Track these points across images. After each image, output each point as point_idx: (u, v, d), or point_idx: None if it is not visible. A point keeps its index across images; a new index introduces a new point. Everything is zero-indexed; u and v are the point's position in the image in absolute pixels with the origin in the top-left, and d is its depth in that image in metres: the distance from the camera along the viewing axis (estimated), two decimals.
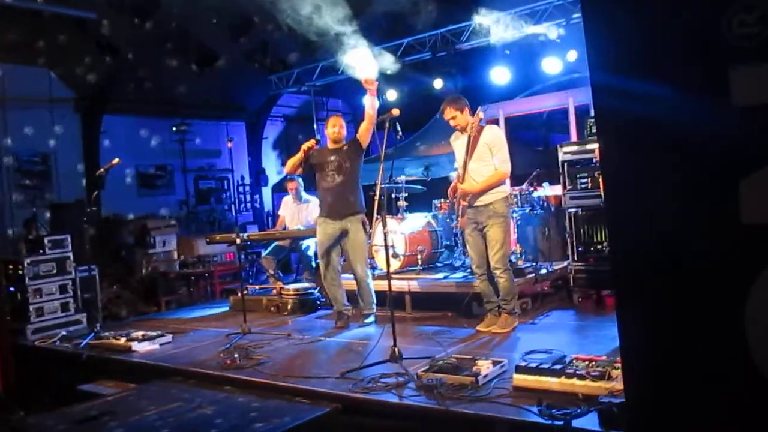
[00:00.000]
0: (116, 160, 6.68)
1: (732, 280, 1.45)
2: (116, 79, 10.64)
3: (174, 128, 11.44)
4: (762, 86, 1.36)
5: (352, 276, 6.16)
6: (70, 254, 7.23)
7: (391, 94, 10.73)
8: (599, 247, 6.09)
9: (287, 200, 8.31)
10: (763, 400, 1.46)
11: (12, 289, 6.96)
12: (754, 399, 1.49)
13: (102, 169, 6.70)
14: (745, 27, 1.36)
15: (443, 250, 7.18)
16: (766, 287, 1.38)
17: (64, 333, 6.65)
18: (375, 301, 6.11)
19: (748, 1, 1.35)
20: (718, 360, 1.53)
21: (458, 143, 5.52)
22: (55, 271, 7.08)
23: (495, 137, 5.31)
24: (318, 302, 7.21)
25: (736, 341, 1.45)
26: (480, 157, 5.30)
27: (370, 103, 5.79)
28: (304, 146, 6.01)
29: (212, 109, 12.64)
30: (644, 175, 1.57)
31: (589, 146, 6.12)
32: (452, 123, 5.44)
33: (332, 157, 6.01)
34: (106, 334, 6.12)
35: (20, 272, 6.88)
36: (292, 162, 6.20)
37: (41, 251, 7.03)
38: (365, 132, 5.90)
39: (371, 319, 6.05)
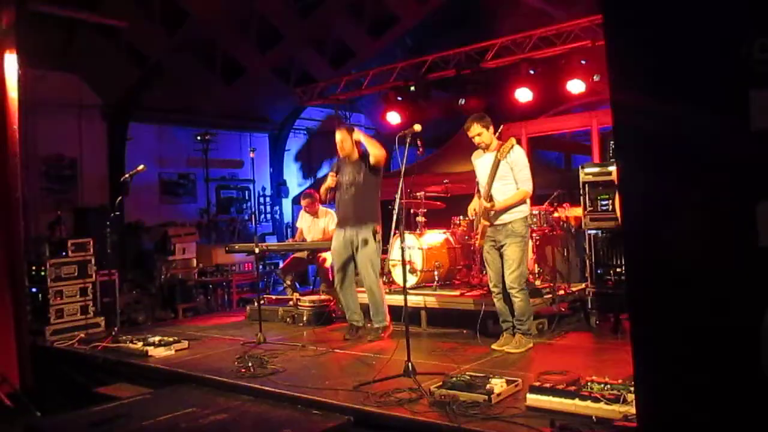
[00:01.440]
0: (142, 167, 6.78)
1: (748, 302, 1.45)
2: (143, 88, 10.82)
3: (198, 137, 11.58)
4: None
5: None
6: (92, 258, 7.34)
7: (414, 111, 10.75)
8: (618, 269, 6.04)
9: (304, 212, 8.38)
10: None
11: (34, 289, 7.07)
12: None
13: (127, 175, 6.79)
14: (766, 53, 1.37)
15: (461, 267, 7.17)
16: None
17: (82, 335, 6.73)
18: (386, 314, 6.04)
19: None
20: (733, 383, 1.52)
21: (481, 161, 5.52)
22: (76, 274, 7.18)
23: (517, 157, 5.31)
24: (333, 315, 7.22)
25: (752, 364, 1.45)
26: (502, 176, 5.30)
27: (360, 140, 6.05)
28: (329, 184, 6.15)
29: (236, 119, 12.79)
30: (662, 196, 1.57)
31: (611, 168, 6.10)
32: (477, 140, 5.45)
33: (348, 169, 6.12)
34: (123, 338, 6.18)
35: (42, 273, 6.99)
36: (323, 192, 6.35)
37: (64, 254, 7.14)
38: (373, 157, 5.99)
39: (380, 333, 5.96)
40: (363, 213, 5.97)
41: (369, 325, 6.16)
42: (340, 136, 6.16)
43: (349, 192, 6.03)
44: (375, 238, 5.91)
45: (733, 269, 1.47)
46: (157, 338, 6.03)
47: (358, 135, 6.07)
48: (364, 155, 6.10)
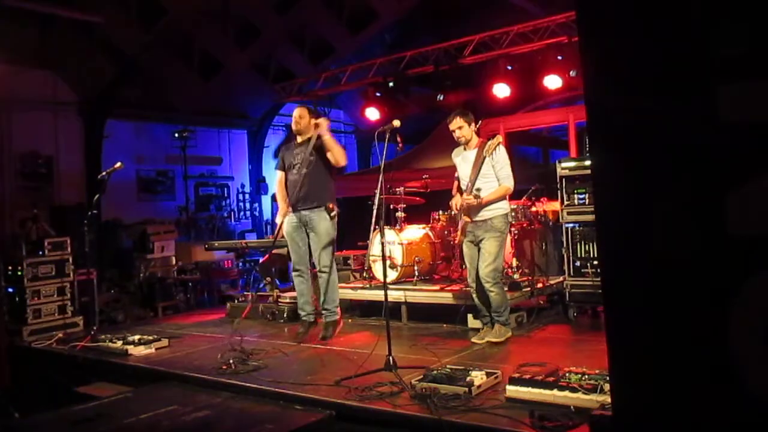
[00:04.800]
0: (119, 164, 6.71)
1: (717, 288, 1.50)
2: (120, 84, 10.72)
3: (176, 134, 11.51)
4: (747, 104, 1.42)
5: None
6: (70, 257, 7.27)
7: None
8: (595, 262, 6.13)
9: None
10: (747, 411, 1.50)
11: (10, 289, 6.99)
12: (738, 409, 1.53)
13: (105, 173, 6.73)
14: (730, 48, 1.43)
15: (441, 262, 7.22)
16: (750, 296, 1.43)
17: (61, 335, 6.67)
18: (336, 303, 5.90)
19: (733, 24, 1.42)
20: (704, 371, 1.57)
21: (462, 158, 5.56)
22: (53, 273, 7.11)
23: (501, 155, 5.36)
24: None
25: (721, 352, 1.50)
26: (485, 173, 5.34)
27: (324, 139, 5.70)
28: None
29: (215, 116, 12.72)
30: (634, 186, 1.62)
31: (588, 162, 6.17)
32: (457, 133, 5.47)
33: (298, 150, 5.93)
34: (103, 337, 6.13)
35: (19, 273, 6.91)
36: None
37: (41, 253, 7.06)
38: (332, 156, 5.81)
39: (332, 331, 5.83)
40: (316, 192, 5.78)
41: (320, 321, 6.05)
42: (298, 111, 5.96)
43: (301, 172, 5.79)
44: (330, 216, 5.77)
45: (703, 256, 1.52)
46: (136, 337, 6.00)
47: (325, 130, 5.73)
48: (317, 138, 5.87)
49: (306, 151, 5.86)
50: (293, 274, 6.12)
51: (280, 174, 6.16)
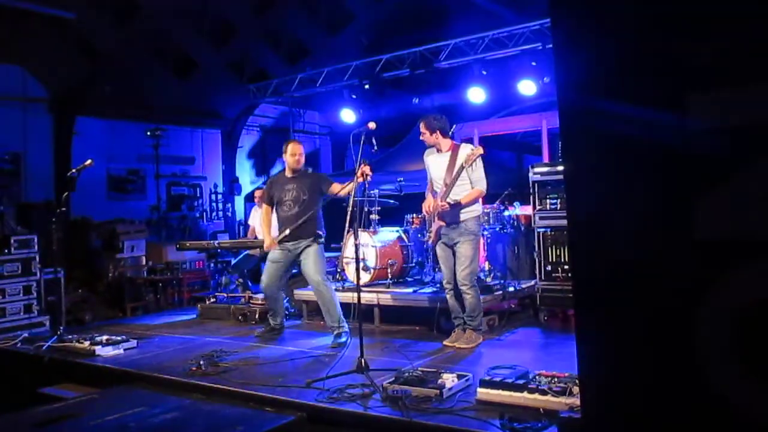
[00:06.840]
0: (89, 162, 6.60)
1: (684, 293, 1.53)
2: (92, 81, 10.55)
3: (149, 133, 11.35)
4: (714, 111, 1.45)
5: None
6: (37, 255, 7.14)
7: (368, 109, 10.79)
8: (566, 266, 6.20)
9: (256, 209, 8.36)
10: (713, 415, 1.53)
11: None
12: (704, 413, 1.55)
13: (74, 171, 6.61)
14: (699, 57, 1.46)
15: (414, 264, 7.23)
16: (715, 301, 1.46)
17: (26, 335, 6.53)
18: (341, 317, 5.79)
19: (702, 34, 1.45)
20: (671, 374, 1.60)
21: (434, 160, 5.57)
22: (19, 272, 6.98)
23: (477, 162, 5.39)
24: (286, 312, 7.19)
25: (688, 356, 1.52)
26: (461, 180, 5.37)
27: (348, 189, 5.55)
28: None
29: (188, 115, 12.58)
30: (605, 191, 1.65)
31: (560, 167, 6.25)
32: (427, 143, 5.54)
33: (290, 186, 5.98)
34: (70, 337, 6.02)
35: None
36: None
37: (7, 251, 6.92)
38: (333, 192, 5.93)
39: (343, 338, 5.67)
40: (310, 228, 5.89)
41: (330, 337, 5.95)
42: (300, 149, 6.04)
43: (293, 210, 5.90)
44: (318, 242, 5.89)
45: (671, 261, 1.55)
46: (104, 337, 5.90)
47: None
48: (310, 173, 6.10)
49: (298, 188, 5.94)
50: (265, 292, 6.16)
51: (265, 207, 6.22)
